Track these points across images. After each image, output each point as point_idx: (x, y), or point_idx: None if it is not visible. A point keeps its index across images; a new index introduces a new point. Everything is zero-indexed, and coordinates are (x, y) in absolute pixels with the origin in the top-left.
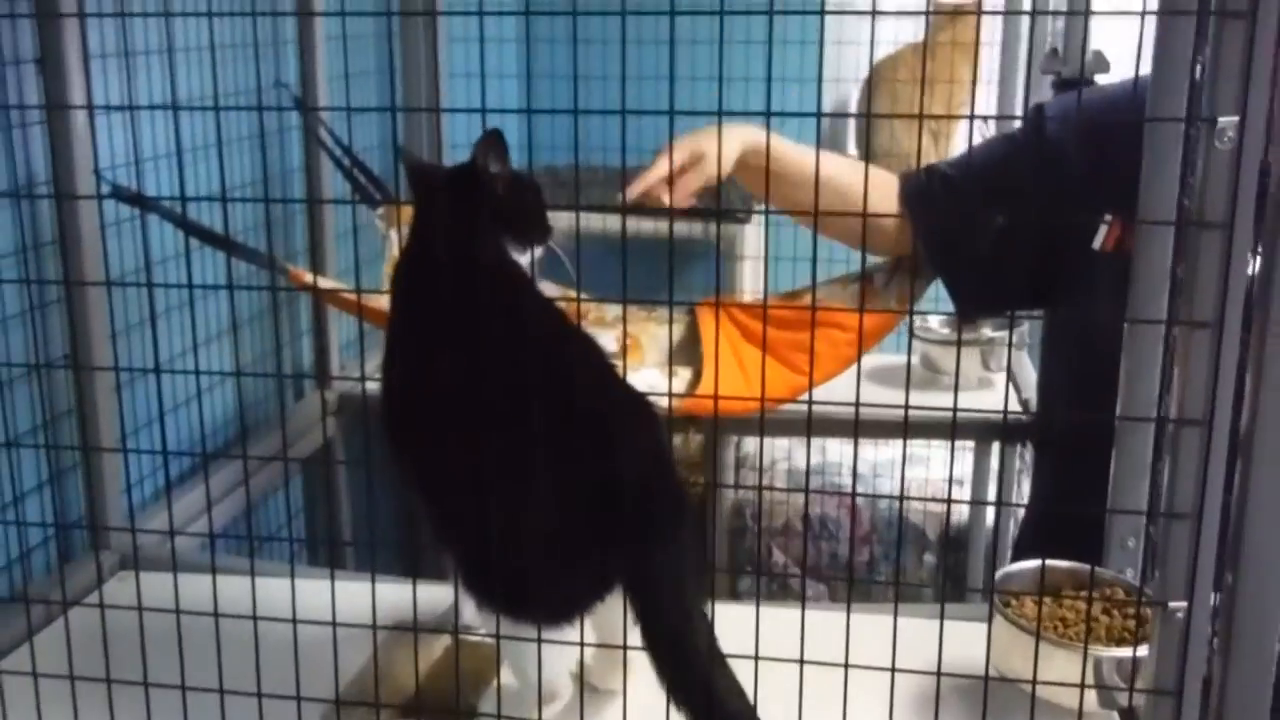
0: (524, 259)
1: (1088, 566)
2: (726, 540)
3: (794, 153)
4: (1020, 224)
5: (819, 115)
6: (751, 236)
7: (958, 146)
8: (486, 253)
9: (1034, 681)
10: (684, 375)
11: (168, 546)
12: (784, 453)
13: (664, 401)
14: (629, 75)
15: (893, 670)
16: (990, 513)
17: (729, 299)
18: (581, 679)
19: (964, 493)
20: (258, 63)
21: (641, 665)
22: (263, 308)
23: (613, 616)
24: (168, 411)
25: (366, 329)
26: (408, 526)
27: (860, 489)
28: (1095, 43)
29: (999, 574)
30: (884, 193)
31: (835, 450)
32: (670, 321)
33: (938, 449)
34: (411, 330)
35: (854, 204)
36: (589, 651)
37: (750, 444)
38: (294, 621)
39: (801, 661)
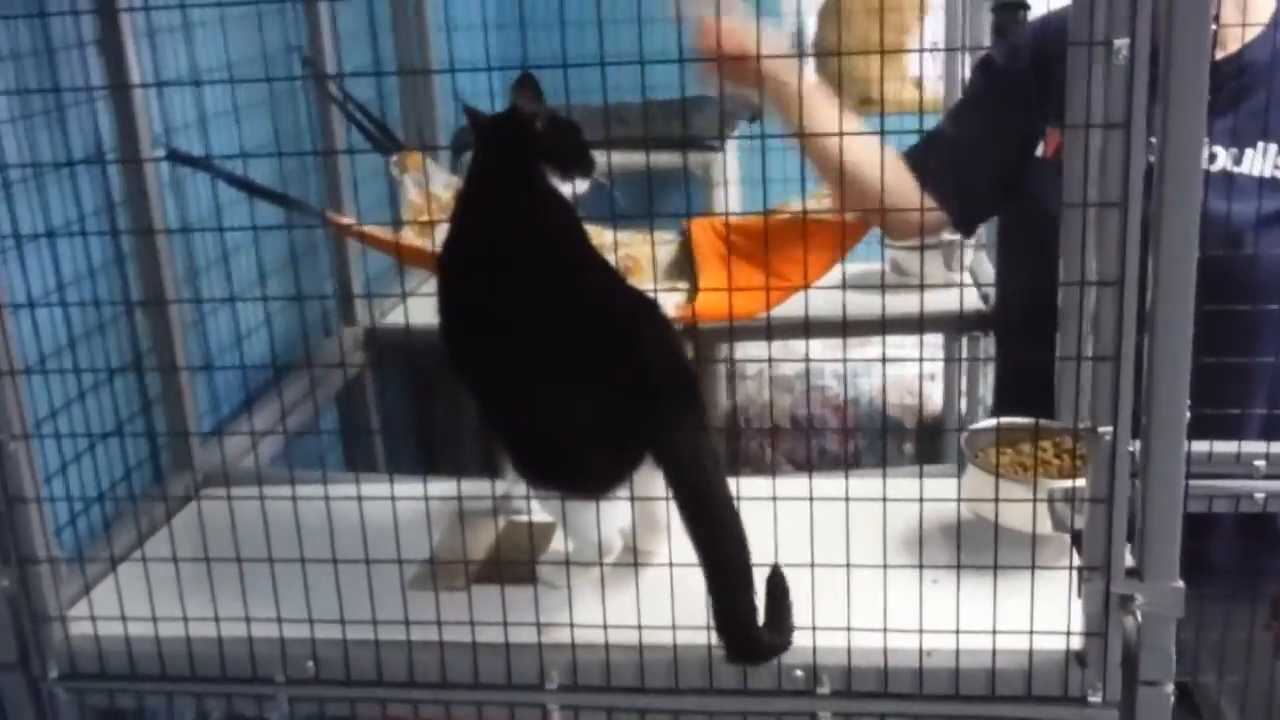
0: (568, 190)
1: (1042, 419)
2: (723, 441)
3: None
4: (997, 151)
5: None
6: (726, 163)
7: (908, 69)
8: (531, 182)
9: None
10: (681, 288)
11: (243, 464)
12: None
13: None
14: (602, 18)
15: (884, 500)
16: (963, 400)
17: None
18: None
19: (937, 385)
20: (262, 30)
21: (677, 530)
22: (288, 257)
23: (653, 488)
24: (221, 350)
25: (374, 273)
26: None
27: (839, 389)
28: None
29: (967, 431)
30: (897, 174)
31: (817, 352)
32: (654, 243)
33: (911, 347)
34: (463, 252)
35: (868, 182)
36: (630, 519)
37: (740, 350)
38: (392, 499)
39: (811, 499)
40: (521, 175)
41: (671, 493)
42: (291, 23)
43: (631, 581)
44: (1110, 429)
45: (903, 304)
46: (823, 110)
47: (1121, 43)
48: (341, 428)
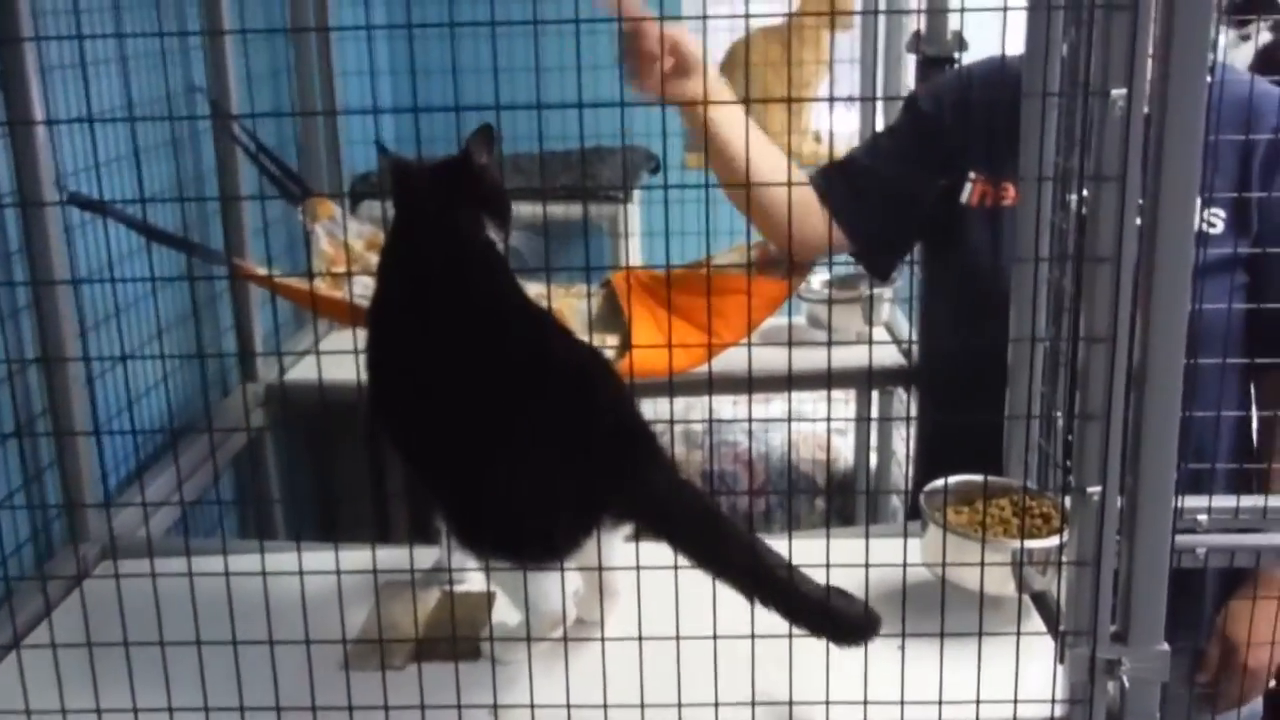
0: (498, 242)
1: (996, 478)
2: None
3: (728, 120)
4: (912, 188)
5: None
6: (630, 215)
7: (812, 122)
8: (474, 233)
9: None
10: (612, 341)
11: (141, 534)
12: (680, 414)
13: None
14: (500, 68)
15: (827, 566)
16: (874, 457)
17: (638, 270)
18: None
19: (848, 440)
20: (166, 70)
21: (625, 594)
22: (186, 311)
23: (606, 550)
24: (116, 413)
25: (273, 327)
26: (334, 497)
27: (753, 444)
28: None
29: (924, 491)
30: (802, 192)
31: (727, 409)
32: (589, 295)
33: (822, 403)
34: (400, 306)
35: (772, 196)
36: (574, 585)
37: (660, 406)
38: (300, 574)
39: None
40: (464, 227)
41: (667, 543)
42: (194, 63)
43: (589, 654)
44: (1099, 489)
45: (818, 358)
46: (737, 126)
47: (1119, 93)
48: (240, 493)
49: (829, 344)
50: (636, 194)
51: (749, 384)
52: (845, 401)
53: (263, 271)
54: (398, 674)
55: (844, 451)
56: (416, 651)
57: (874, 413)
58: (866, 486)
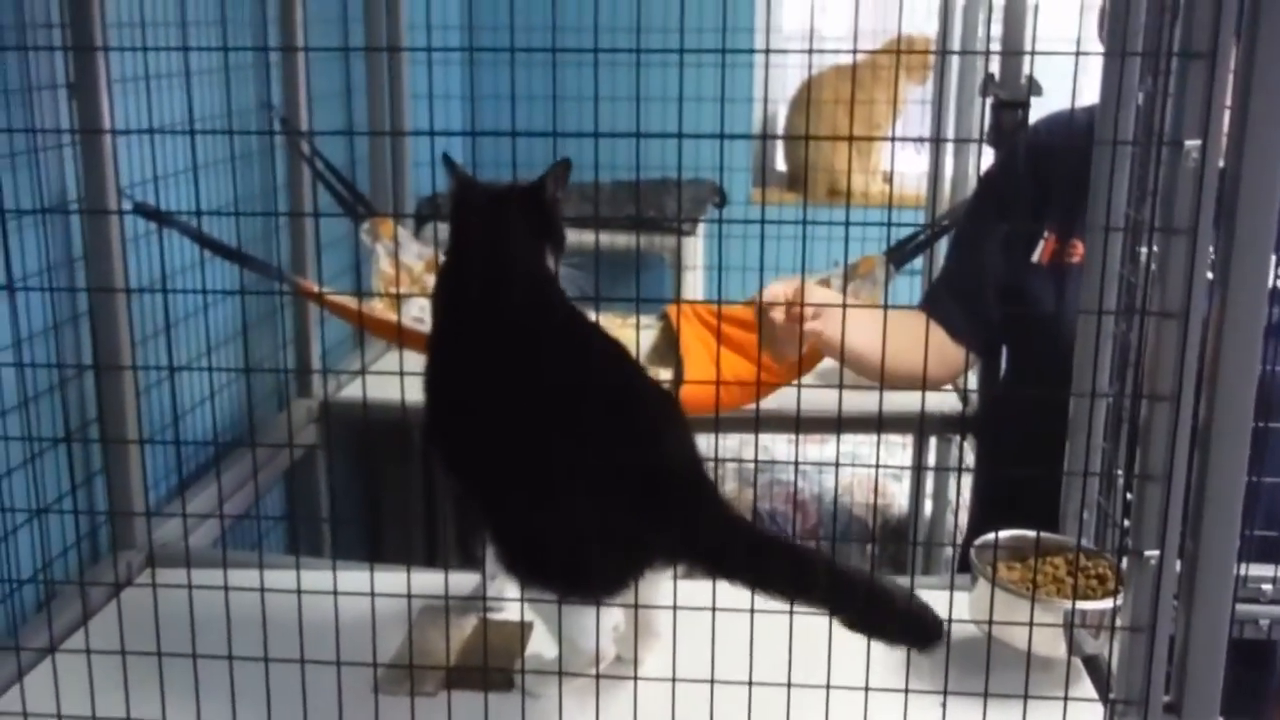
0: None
1: (1051, 534)
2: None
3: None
4: (994, 259)
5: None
6: (694, 248)
7: (881, 162)
8: (539, 264)
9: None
10: (665, 376)
11: (183, 546)
12: (732, 451)
13: None
14: (574, 95)
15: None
16: (929, 504)
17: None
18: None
19: (903, 486)
20: (231, 85)
21: (665, 635)
22: (247, 321)
23: (651, 591)
24: (169, 423)
25: (329, 344)
26: (380, 518)
27: (805, 485)
28: (1029, 69)
29: (975, 544)
30: (923, 337)
31: (782, 447)
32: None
33: (883, 446)
34: (467, 333)
35: (908, 359)
36: (614, 620)
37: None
38: (335, 594)
39: (791, 612)
40: (531, 256)
41: (729, 581)
42: (264, 80)
43: (622, 693)
44: (1156, 552)
45: (873, 400)
46: (862, 332)
47: (1193, 144)
48: (290, 508)
49: (879, 387)
50: (701, 227)
51: (796, 423)
52: (903, 446)
53: (314, 288)
54: (428, 700)
55: (898, 498)
56: (448, 679)
57: (931, 460)
58: (915, 535)
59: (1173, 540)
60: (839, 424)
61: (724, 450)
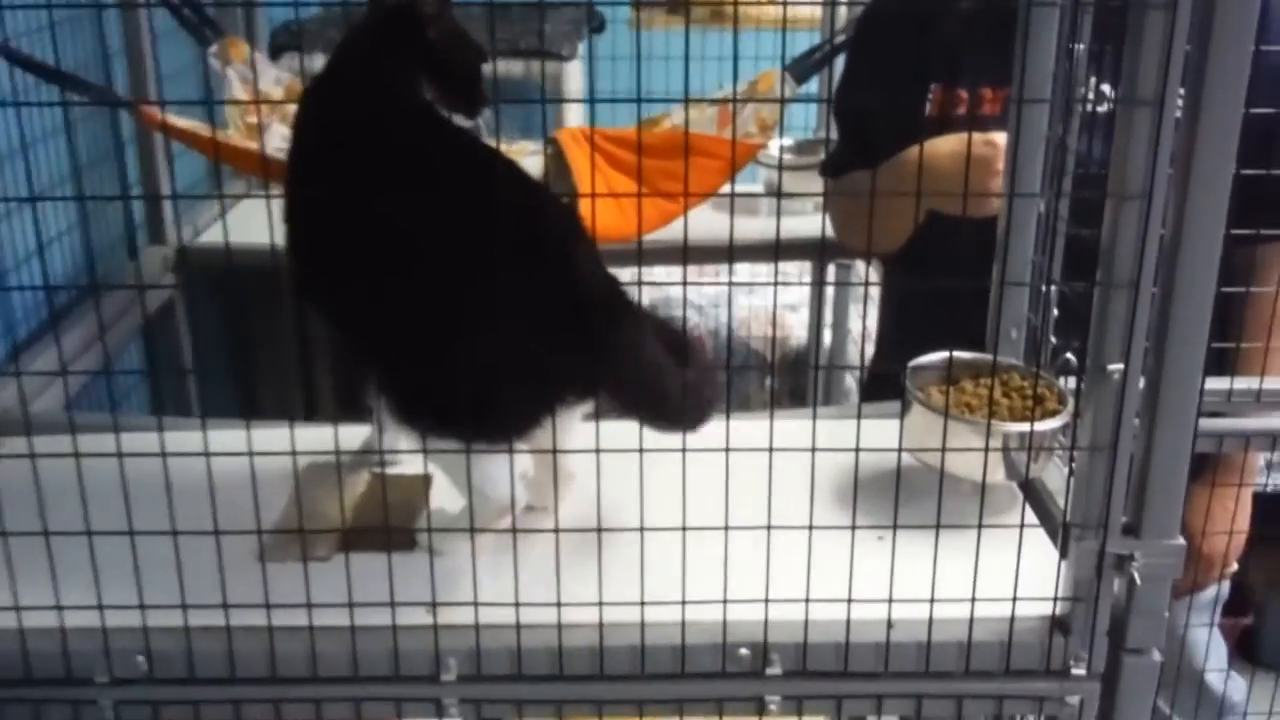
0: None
1: (979, 354)
2: None
3: None
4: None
5: None
6: (574, 74)
7: None
8: (403, 97)
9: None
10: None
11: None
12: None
13: None
14: None
15: (813, 450)
16: (828, 332)
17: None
18: None
19: (800, 317)
20: None
21: (581, 477)
22: (97, 156)
23: (564, 430)
24: (9, 270)
25: (185, 185)
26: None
27: (700, 319)
28: None
29: (909, 366)
30: None
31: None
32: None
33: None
34: (326, 154)
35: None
36: (523, 467)
37: None
38: (206, 455)
39: (727, 450)
40: (399, 88)
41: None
42: None
43: (541, 545)
44: (1120, 366)
45: (773, 227)
46: None
47: None
48: (150, 364)
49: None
50: (580, 50)
51: (684, 254)
52: (799, 274)
53: (161, 116)
54: (322, 566)
55: (796, 329)
56: (343, 541)
57: (830, 289)
58: (816, 361)
59: (1137, 352)
60: (730, 252)
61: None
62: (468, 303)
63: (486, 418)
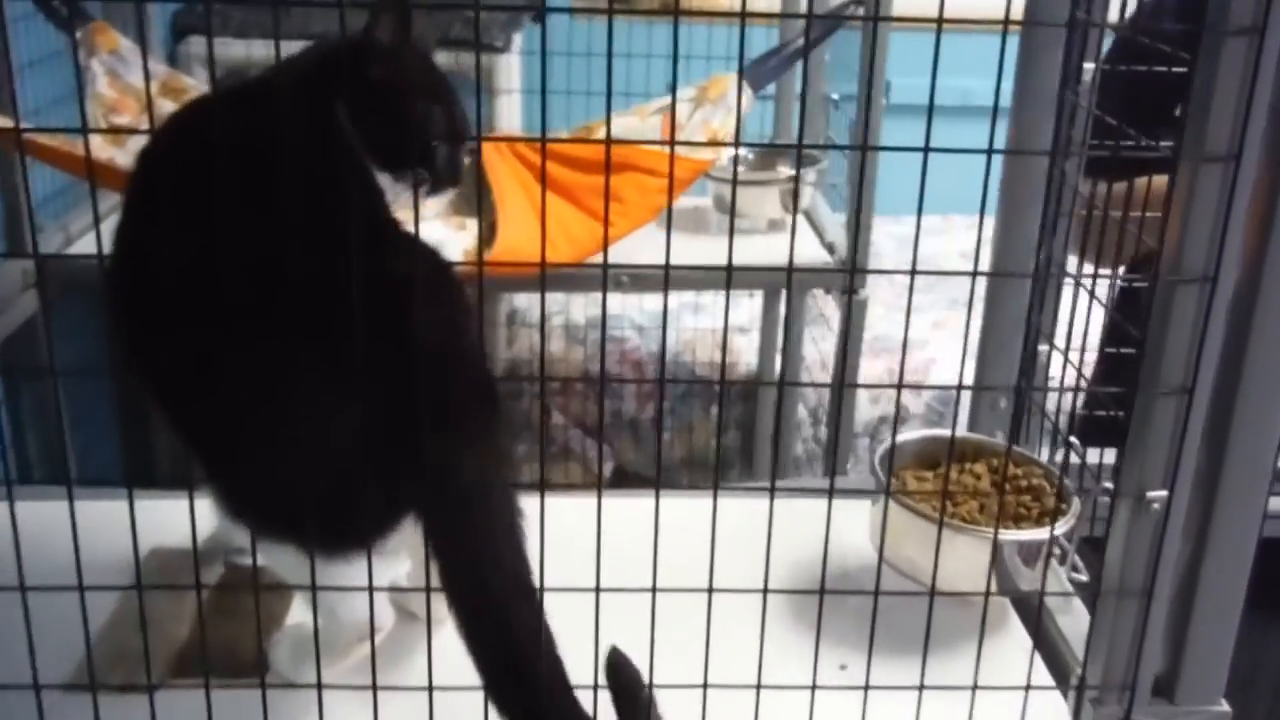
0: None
1: (970, 435)
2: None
3: None
4: None
5: None
6: (509, 68)
7: None
8: (301, 135)
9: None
10: (472, 228)
11: None
12: (560, 305)
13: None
14: None
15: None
16: (779, 361)
17: (512, 136)
18: None
19: (750, 340)
20: None
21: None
22: None
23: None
24: None
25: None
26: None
27: (641, 342)
28: None
29: (880, 449)
30: None
31: (615, 302)
32: None
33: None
34: (172, 188)
35: None
36: (404, 572)
37: (521, 300)
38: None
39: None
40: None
41: (439, 569)
42: None
43: (414, 664)
44: (1164, 494)
45: (724, 247)
46: None
47: None
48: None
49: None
50: (517, 43)
51: (604, 279)
52: (749, 295)
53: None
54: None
55: (745, 354)
56: (179, 664)
57: (782, 313)
58: (781, 392)
59: (1185, 478)
60: (666, 275)
61: (551, 306)
62: (305, 385)
63: (325, 525)
